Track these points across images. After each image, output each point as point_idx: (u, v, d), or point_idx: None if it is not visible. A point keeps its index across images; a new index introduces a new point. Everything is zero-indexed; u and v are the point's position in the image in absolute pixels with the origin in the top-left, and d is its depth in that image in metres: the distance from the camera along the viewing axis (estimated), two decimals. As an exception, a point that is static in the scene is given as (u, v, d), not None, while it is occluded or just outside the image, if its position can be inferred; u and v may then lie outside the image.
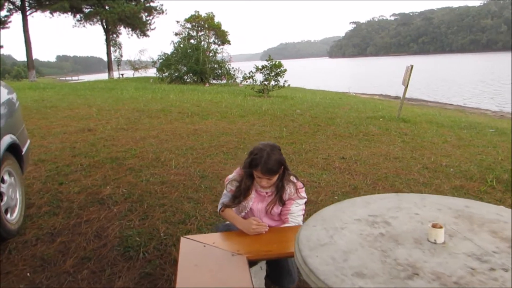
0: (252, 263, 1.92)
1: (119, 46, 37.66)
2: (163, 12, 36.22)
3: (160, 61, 24.54)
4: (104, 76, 40.45)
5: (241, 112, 9.49)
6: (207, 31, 25.49)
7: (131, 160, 5.20)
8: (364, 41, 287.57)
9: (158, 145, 6.04)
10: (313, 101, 13.26)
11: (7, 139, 3.05)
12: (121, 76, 34.66)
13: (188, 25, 27.77)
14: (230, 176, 2.38)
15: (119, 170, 4.76)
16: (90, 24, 36.64)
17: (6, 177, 3.02)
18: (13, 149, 3.21)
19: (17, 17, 28.44)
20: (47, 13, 30.56)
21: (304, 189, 2.38)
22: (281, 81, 15.08)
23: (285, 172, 2.29)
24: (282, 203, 2.32)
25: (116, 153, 5.53)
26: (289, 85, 15.61)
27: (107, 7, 33.41)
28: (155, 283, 2.50)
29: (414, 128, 8.13)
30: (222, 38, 26.49)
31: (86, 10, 34.73)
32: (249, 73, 15.61)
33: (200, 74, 22.78)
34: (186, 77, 23.44)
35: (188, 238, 2.08)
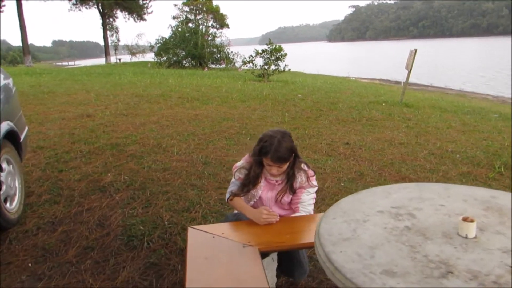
0: (263, 254, 1.84)
1: (116, 30, 37.10)
2: (160, -6, 35.64)
3: (158, 45, 24.16)
4: (101, 61, 40.01)
5: (242, 97, 9.35)
6: (205, 15, 25.05)
7: (132, 146, 5.09)
8: (364, 24, 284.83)
9: (159, 131, 5.92)
10: (314, 85, 13.10)
11: (5, 126, 2.94)
12: (118, 61, 34.21)
13: (186, 9, 27.27)
14: (239, 164, 2.28)
15: (120, 156, 4.66)
16: (86, 8, 36.03)
17: (4, 165, 2.92)
18: (11, 136, 3.11)
19: (11, 2, 27.89)
20: (42, -4, 30.00)
21: (315, 177, 2.29)
22: (282, 65, 14.87)
23: (296, 160, 2.20)
24: (293, 191, 2.23)
25: (116, 139, 5.42)
26: (289, 69, 15.41)
27: (102, -10, 32.84)
28: (160, 273, 2.43)
29: (417, 113, 8.03)
30: (221, 21, 26.08)
31: (82, -7, 34.14)
32: (249, 57, 15.38)
33: (199, 59, 22.47)
34: (184, 62, 23.12)
35: (195, 229, 1.99)
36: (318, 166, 4.53)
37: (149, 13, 37.01)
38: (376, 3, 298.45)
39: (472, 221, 1.25)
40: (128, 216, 3.15)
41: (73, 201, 3.43)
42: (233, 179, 2.29)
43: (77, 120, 6.67)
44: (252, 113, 7.43)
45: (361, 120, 7.09)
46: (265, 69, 14.50)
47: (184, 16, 24.99)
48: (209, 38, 23.31)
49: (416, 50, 8.97)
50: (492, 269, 1.08)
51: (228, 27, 25.08)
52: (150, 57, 27.30)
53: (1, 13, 28.48)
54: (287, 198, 2.25)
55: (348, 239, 1.24)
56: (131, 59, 34.22)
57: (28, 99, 8.56)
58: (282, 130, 2.16)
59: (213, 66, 22.96)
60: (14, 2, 26.90)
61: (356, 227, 1.32)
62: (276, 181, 2.23)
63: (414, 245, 1.20)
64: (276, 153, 2.04)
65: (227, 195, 2.25)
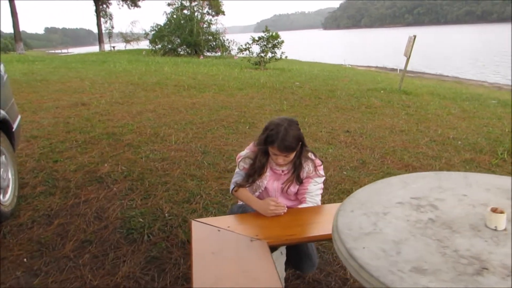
0: (272, 248, 1.75)
1: (109, 17, 36.46)
2: (154, -19, 34.97)
3: (152, 32, 23.75)
4: (94, 48, 39.42)
5: (239, 85, 9.21)
6: (200, 1, 24.61)
7: (129, 135, 4.97)
8: (359, 12, 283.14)
9: (156, 120, 5.80)
10: (311, 73, 12.97)
11: (-4, 114, 2.81)
12: (112, 48, 33.69)
13: (181, -5, 26.80)
14: (243, 153, 2.18)
15: (117, 146, 4.54)
16: (79, -6, 35.37)
17: (-4, 156, 2.80)
18: (3, 125, 2.98)
19: (2, -13, 27.30)
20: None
21: (322, 166, 2.20)
22: (278, 53, 14.69)
23: (302, 149, 2.10)
24: (300, 181, 2.14)
25: (113, 128, 5.29)
26: (286, 57, 15.24)
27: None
28: (162, 268, 2.34)
29: (416, 100, 7.95)
30: (216, 8, 25.64)
31: (74, -20, 33.42)
32: (245, 45, 15.16)
33: (194, 46, 22.14)
34: (179, 49, 22.80)
35: (199, 222, 1.89)
36: (319, 154, 4.40)
37: (143, -1, 36.37)
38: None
39: (502, 212, 1.17)
40: (127, 208, 3.05)
41: (69, 192, 3.32)
42: (237, 169, 2.19)
43: (72, 108, 6.51)
44: (250, 101, 7.31)
45: (360, 108, 7.00)
46: (261, 56, 14.31)
47: (179, 3, 24.51)
48: (205, 25, 22.96)
49: (415, 37, 8.85)
50: (530, 265, 1.00)
51: (224, 14, 24.68)
52: (144, 44, 26.89)
53: (-8, 0, 27.85)
54: (293, 188, 2.16)
55: (369, 234, 1.15)
56: (125, 47, 33.71)
57: (21, 87, 8.37)
58: (289, 118, 2.06)
59: (208, 54, 22.66)
60: (5, -12, 26.30)
61: (377, 220, 1.22)
62: (282, 171, 2.14)
63: (442, 239, 1.12)
64: (283, 142, 1.95)
65: (232, 186, 2.16)
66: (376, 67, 24.48)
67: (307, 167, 2.12)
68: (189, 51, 22.31)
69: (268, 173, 2.14)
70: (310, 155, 2.15)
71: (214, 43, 23.01)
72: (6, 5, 26.42)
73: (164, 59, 17.45)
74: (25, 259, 2.40)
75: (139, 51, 25.05)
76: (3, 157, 2.91)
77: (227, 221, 1.93)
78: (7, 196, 2.90)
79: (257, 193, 2.17)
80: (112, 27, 36.46)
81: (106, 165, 3.93)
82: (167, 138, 4.87)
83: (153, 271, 2.31)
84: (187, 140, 4.79)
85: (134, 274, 2.28)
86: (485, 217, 1.20)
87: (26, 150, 4.37)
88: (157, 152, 4.35)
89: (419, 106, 7.32)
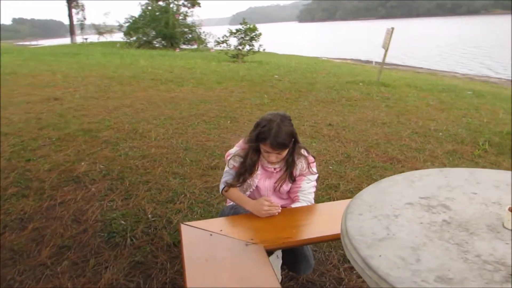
0: (268, 252, 1.65)
1: (81, 8, 35.23)
2: (126, -29, 34.01)
3: (127, 24, 23.14)
4: (66, 40, 38.14)
5: (218, 79, 9.05)
6: (176, -8, 24.10)
7: (106, 132, 4.76)
8: (334, 5, 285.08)
9: (133, 115, 5.59)
10: (289, 66, 12.89)
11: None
12: (84, 40, 32.66)
13: (156, -15, 26.11)
14: (232, 151, 2.07)
15: (94, 143, 4.33)
16: (48, -16, 34.02)
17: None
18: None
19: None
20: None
21: (315, 163, 2.11)
22: (256, 45, 14.54)
23: (295, 145, 2.01)
24: (292, 179, 2.05)
25: (88, 124, 5.07)
26: (264, 49, 15.12)
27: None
28: (148, 273, 2.21)
29: (395, 92, 8.00)
30: (192, 0, 25.19)
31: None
32: (223, 38, 14.93)
33: (170, 39, 21.69)
34: (155, 42, 22.31)
35: (189, 226, 1.78)
36: (304, 149, 4.37)
37: (116, -10, 35.35)
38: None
39: (520, 212, 1.11)
40: (107, 209, 2.89)
41: (44, 194, 3.13)
42: (226, 168, 2.07)
43: (44, 103, 6.22)
44: (230, 95, 7.17)
45: (341, 101, 6.98)
46: (239, 49, 14.13)
47: (155, -6, 23.90)
48: (180, 17, 22.52)
49: (393, 29, 8.89)
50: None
51: (200, 6, 24.18)
52: (119, 37, 26.14)
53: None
54: (286, 186, 2.07)
55: (384, 240, 1.07)
56: (98, 39, 32.73)
57: (-13, 82, 7.96)
58: (281, 113, 1.97)
59: (184, 46, 22.26)
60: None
61: (389, 224, 1.14)
62: (274, 169, 2.04)
63: (461, 243, 1.04)
64: (276, 138, 1.85)
65: (221, 186, 2.04)
66: (352, 59, 24.64)
67: (300, 164, 2.03)
68: (165, 44, 21.86)
69: (259, 171, 2.04)
70: (303, 151, 2.06)
71: (190, 36, 22.63)
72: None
73: (139, 52, 17.02)
74: (-3, 269, 2.22)
75: (113, 43, 24.36)
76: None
77: (219, 224, 1.82)
78: (-24, 200, 2.70)
79: (248, 193, 2.07)
80: (84, 19, 35.24)
81: (83, 163, 3.74)
82: (146, 134, 4.70)
83: (138, 277, 2.17)
84: (167, 136, 4.63)
85: (117, 281, 2.14)
86: (503, 217, 1.14)
87: (-4, 149, 4.12)
88: (137, 149, 4.18)
89: (398, 98, 7.36)
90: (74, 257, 2.34)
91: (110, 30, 32.05)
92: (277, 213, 1.87)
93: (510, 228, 1.10)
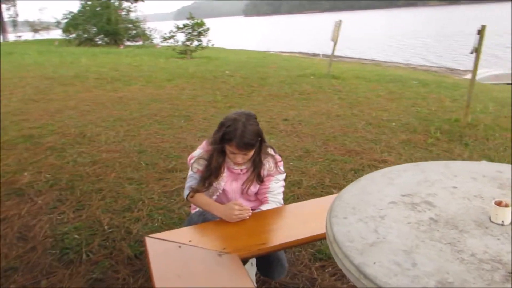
0: (243, 261, 1.55)
1: (12, 3, 32.86)
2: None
3: (65, 21, 21.89)
4: (-4, 39, 35.51)
5: (167, 76, 8.77)
6: (116, -13, 23.10)
7: (50, 137, 4.42)
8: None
9: (79, 118, 5.25)
10: (239, 61, 12.80)
11: None
12: (18, 38, 30.53)
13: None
14: (195, 153, 1.95)
15: (37, 151, 3.99)
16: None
17: None
18: None
19: None
20: None
21: (282, 162, 2.04)
22: (204, 41, 14.28)
23: (262, 145, 1.92)
24: (260, 180, 1.96)
25: (29, 129, 4.68)
26: (212, 45, 14.90)
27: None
28: (109, 291, 2.04)
29: (345, 84, 8.15)
30: (134, -6, 24.29)
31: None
32: (170, 33, 14.51)
33: (113, 35, 20.78)
34: (97, 39, 21.29)
35: (155, 238, 1.64)
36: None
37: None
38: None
39: (507, 205, 1.09)
40: (57, 223, 2.64)
41: (-18, 210, 2.82)
42: (190, 172, 1.94)
43: (-24, 109, 5.69)
44: (181, 93, 6.96)
45: (294, 95, 6.99)
46: (187, 45, 13.80)
47: (94, -12, 22.75)
48: (123, 13, 21.64)
49: (341, 21, 9.03)
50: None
51: (143, 0, 23.41)
52: (56, 34, 24.71)
53: None
54: (254, 188, 1.98)
55: (375, 244, 1.00)
56: (33, 37, 30.72)
57: None
58: (246, 112, 1.88)
59: (129, 43, 21.44)
60: None
61: (376, 227, 1.08)
62: (241, 170, 1.94)
63: (453, 242, 1.00)
64: (242, 139, 1.76)
65: (186, 192, 1.91)
66: (300, 52, 24.97)
67: (268, 164, 1.95)
68: (108, 41, 20.92)
69: (225, 173, 1.93)
70: (270, 150, 1.98)
71: (134, 32, 21.84)
72: None
73: (80, 50, 16.17)
74: None
75: (50, 41, 22.96)
76: None
77: (187, 233, 1.69)
78: None
79: (214, 197, 1.95)
80: (17, 15, 32.92)
81: (25, 174, 3.42)
82: (95, 138, 4.41)
83: (98, 297, 2.00)
84: (118, 139, 4.37)
85: (75, 303, 1.95)
86: (489, 211, 1.12)
87: None
88: (86, 154, 3.90)
89: (349, 90, 7.49)
90: (23, 279, 2.11)
91: (46, 27, 30.19)
92: (247, 217, 1.78)
93: (498, 222, 1.08)
